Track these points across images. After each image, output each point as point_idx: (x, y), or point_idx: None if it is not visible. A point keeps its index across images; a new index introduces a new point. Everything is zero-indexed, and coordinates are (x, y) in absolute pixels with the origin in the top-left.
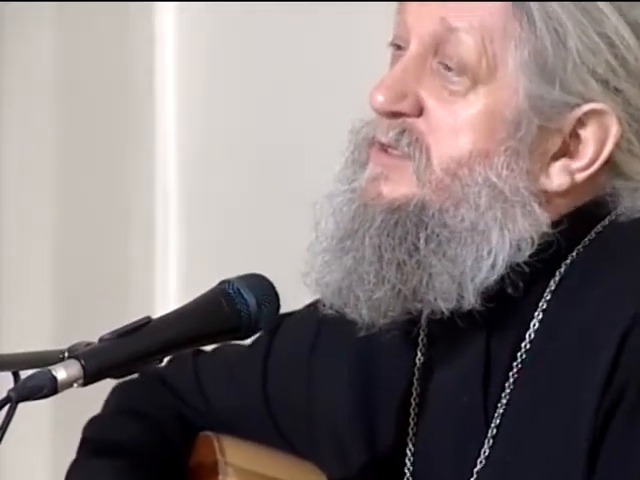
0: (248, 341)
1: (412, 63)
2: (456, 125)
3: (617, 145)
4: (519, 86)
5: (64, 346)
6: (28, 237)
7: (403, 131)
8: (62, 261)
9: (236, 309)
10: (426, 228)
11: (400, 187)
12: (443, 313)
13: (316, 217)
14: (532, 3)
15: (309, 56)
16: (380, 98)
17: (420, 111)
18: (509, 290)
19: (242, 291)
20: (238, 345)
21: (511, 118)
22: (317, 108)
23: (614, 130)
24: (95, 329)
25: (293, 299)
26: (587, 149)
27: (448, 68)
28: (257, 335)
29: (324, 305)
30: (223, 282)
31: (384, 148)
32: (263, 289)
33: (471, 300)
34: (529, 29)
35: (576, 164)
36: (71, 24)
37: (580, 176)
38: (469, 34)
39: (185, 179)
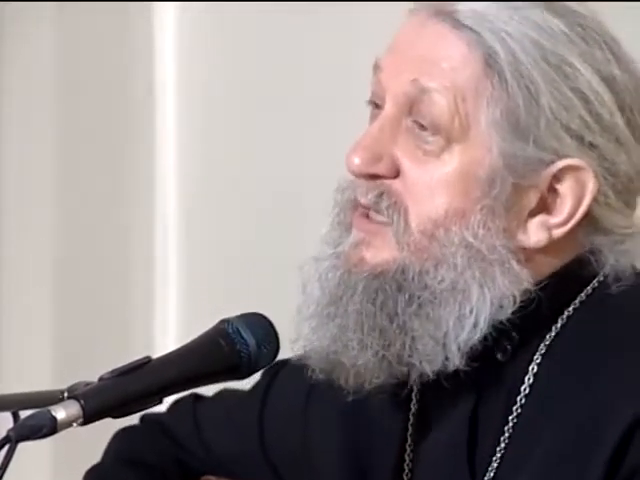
0: (247, 386)
1: (387, 123)
2: (431, 185)
3: (595, 199)
4: (492, 144)
5: (64, 386)
6: (28, 276)
7: (381, 193)
8: (62, 301)
9: (236, 349)
10: (406, 292)
11: (381, 252)
12: (429, 376)
13: (303, 280)
14: (503, 62)
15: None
16: (357, 160)
17: (397, 172)
18: (498, 356)
19: (242, 331)
20: (237, 391)
21: (485, 177)
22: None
23: (591, 185)
24: (95, 368)
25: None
26: (564, 205)
27: (422, 127)
28: (256, 381)
29: (312, 371)
30: (223, 321)
31: (365, 213)
32: (263, 329)
33: (455, 361)
34: (501, 87)
35: (554, 220)
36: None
37: (558, 232)
38: (441, 94)
39: (185, 219)
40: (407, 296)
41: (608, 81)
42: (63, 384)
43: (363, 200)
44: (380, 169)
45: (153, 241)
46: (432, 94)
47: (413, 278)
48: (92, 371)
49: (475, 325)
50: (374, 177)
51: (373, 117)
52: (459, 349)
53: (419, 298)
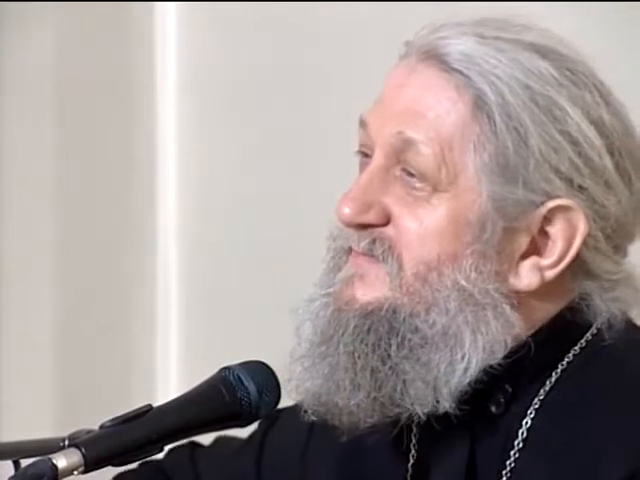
0: (245, 434)
1: (376, 173)
2: (422, 230)
3: (584, 243)
4: (481, 188)
5: (64, 434)
6: (29, 325)
7: (374, 240)
8: (63, 349)
9: (237, 397)
10: (397, 334)
11: (373, 290)
12: (420, 417)
13: (297, 322)
14: (493, 104)
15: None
16: (346, 210)
17: (387, 219)
18: (492, 409)
19: (243, 379)
20: (234, 439)
21: (476, 221)
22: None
23: (581, 226)
24: (96, 416)
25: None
26: (555, 246)
27: (411, 174)
28: (253, 429)
29: (306, 412)
30: (224, 369)
31: (360, 253)
32: (264, 377)
33: (446, 404)
34: (490, 130)
35: (545, 261)
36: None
37: (549, 273)
38: (427, 145)
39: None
40: (399, 338)
41: (597, 124)
42: (64, 432)
43: (357, 248)
44: (370, 218)
45: (155, 288)
46: (418, 145)
47: (404, 319)
48: (93, 419)
49: (466, 370)
50: (365, 226)
51: (362, 166)
52: (450, 393)
53: (410, 341)
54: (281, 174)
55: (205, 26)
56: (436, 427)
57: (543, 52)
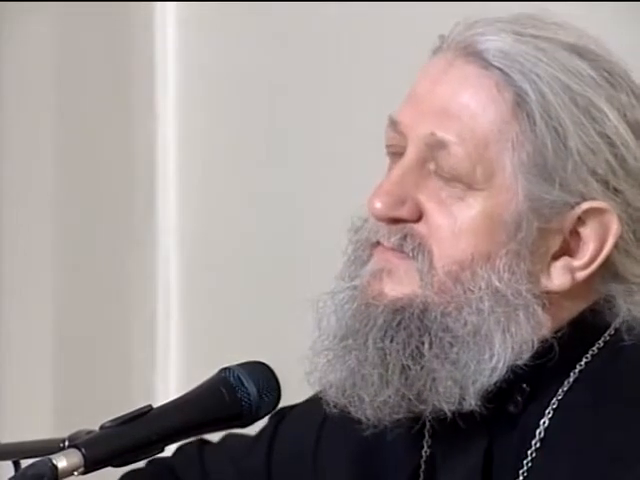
0: (254, 431)
1: (410, 167)
2: (456, 228)
3: (615, 245)
4: (518, 187)
5: (64, 434)
6: (29, 324)
7: (405, 236)
8: (63, 349)
9: (237, 398)
10: (429, 332)
11: (402, 286)
12: (446, 414)
13: (318, 315)
14: (533, 103)
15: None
16: (379, 205)
17: (420, 215)
18: (510, 408)
19: (243, 379)
20: (243, 436)
21: (511, 220)
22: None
23: (614, 228)
24: (96, 417)
25: (294, 388)
26: (587, 247)
27: (445, 172)
28: (262, 426)
29: (328, 404)
30: (224, 370)
31: (388, 248)
32: (264, 377)
33: (472, 402)
34: (529, 129)
35: (576, 263)
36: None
37: (581, 275)
38: (460, 146)
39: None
40: (431, 337)
41: (633, 127)
42: (64, 433)
43: (386, 243)
44: (403, 213)
45: (155, 288)
46: (450, 146)
47: (435, 318)
48: (93, 420)
49: (494, 370)
50: (397, 221)
51: (393, 163)
52: (476, 391)
53: (441, 340)
54: (282, 174)
55: (205, 26)
56: (457, 424)
57: (581, 52)
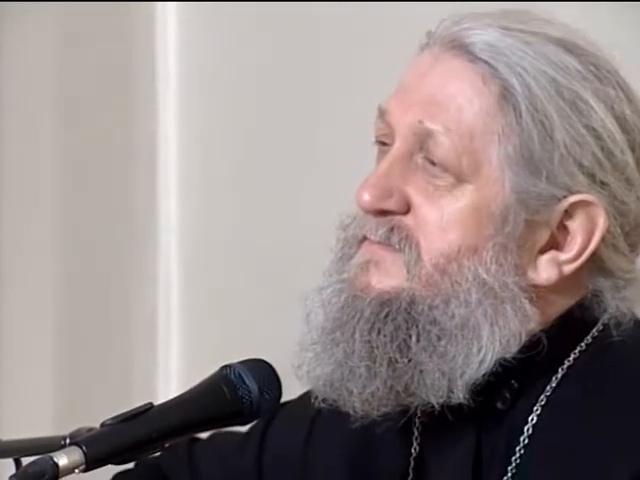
0: (244, 428)
1: (397, 160)
2: (443, 221)
3: (602, 239)
4: (505, 180)
5: (65, 432)
6: (30, 323)
7: (392, 228)
8: (64, 347)
9: (238, 395)
10: (417, 325)
11: (389, 278)
12: (434, 406)
13: (306, 310)
14: (519, 95)
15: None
16: (366, 197)
17: (407, 208)
18: (498, 405)
19: (244, 377)
20: (233, 433)
21: (498, 213)
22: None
23: (601, 221)
24: (97, 415)
25: (295, 385)
26: (575, 241)
27: (432, 163)
28: (252, 424)
29: (316, 398)
30: (225, 367)
31: (375, 242)
32: (265, 374)
33: (460, 395)
34: (515, 122)
35: (564, 256)
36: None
37: (568, 268)
38: (446, 136)
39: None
40: (418, 330)
41: (620, 120)
42: (65, 430)
43: (373, 237)
44: (391, 205)
45: (156, 287)
46: (437, 136)
47: (423, 311)
48: (94, 417)
49: (482, 363)
50: (384, 213)
51: (381, 155)
52: (464, 384)
53: (429, 333)
54: (282, 173)
55: (206, 26)
56: (445, 419)
57: (568, 46)
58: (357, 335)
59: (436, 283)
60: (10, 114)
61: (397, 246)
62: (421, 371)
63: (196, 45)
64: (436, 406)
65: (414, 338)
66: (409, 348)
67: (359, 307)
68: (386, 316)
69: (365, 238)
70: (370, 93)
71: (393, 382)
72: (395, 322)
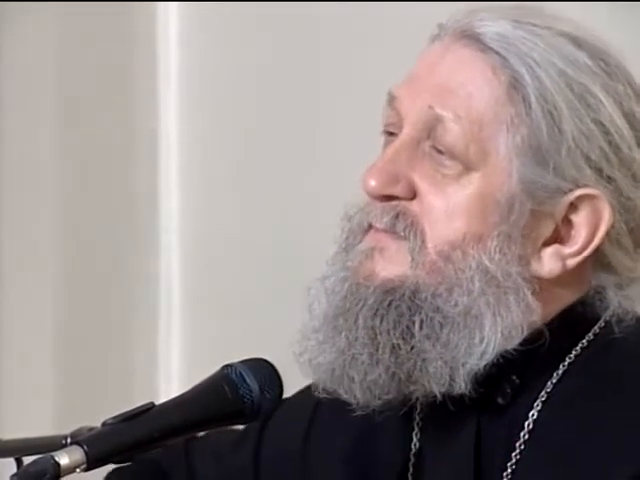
0: (241, 426)
1: (404, 146)
2: (449, 208)
3: (607, 234)
4: (512, 170)
5: (66, 431)
6: (30, 321)
7: (397, 215)
8: (65, 346)
9: (239, 395)
10: (420, 312)
11: (393, 266)
12: (436, 396)
13: (309, 299)
14: (529, 86)
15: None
16: (372, 182)
17: (413, 194)
18: (499, 400)
19: (245, 376)
20: (230, 431)
21: (504, 202)
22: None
23: (606, 215)
24: (98, 414)
25: (296, 385)
26: (579, 234)
27: (440, 151)
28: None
29: (317, 388)
30: (226, 366)
31: (380, 229)
32: (266, 374)
33: (462, 385)
34: (524, 112)
35: (568, 250)
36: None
37: (571, 262)
38: (455, 123)
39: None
40: (421, 317)
41: (628, 116)
42: (66, 430)
43: (378, 224)
44: (397, 190)
45: (157, 287)
46: (446, 122)
47: (426, 299)
48: (95, 417)
49: (483, 353)
50: (390, 198)
51: (387, 144)
52: (465, 374)
53: (432, 321)
54: (283, 173)
55: (207, 26)
56: (446, 413)
57: (578, 42)
58: (360, 322)
59: (440, 270)
60: (10, 114)
61: (402, 233)
62: (424, 359)
63: (197, 45)
64: (438, 395)
65: (417, 325)
66: (412, 335)
67: (363, 295)
68: (390, 303)
69: (370, 227)
70: (370, 93)
71: (395, 369)
72: (398, 309)
